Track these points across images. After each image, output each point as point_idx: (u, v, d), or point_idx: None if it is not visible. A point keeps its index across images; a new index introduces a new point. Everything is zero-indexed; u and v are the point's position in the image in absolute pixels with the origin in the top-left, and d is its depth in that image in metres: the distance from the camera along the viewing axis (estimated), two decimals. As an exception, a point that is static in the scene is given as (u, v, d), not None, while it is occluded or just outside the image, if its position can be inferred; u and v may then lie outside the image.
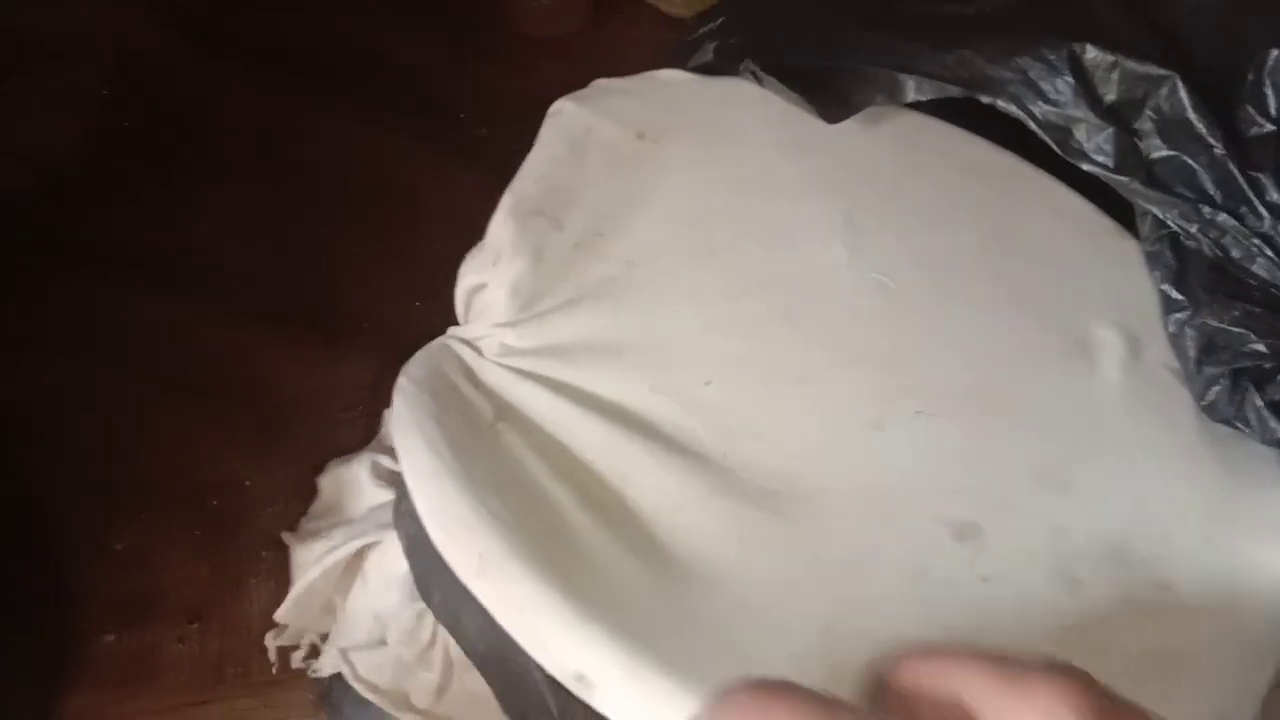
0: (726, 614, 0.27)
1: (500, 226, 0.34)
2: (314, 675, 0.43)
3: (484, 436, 0.29)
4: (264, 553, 0.54)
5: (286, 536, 0.49)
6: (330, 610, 0.41)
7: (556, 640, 0.25)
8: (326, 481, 0.49)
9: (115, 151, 0.68)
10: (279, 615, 0.40)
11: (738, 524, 0.28)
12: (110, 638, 0.53)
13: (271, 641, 0.46)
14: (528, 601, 0.26)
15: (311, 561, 0.38)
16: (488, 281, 0.33)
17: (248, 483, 0.57)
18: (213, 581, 0.54)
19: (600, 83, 0.40)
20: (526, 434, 0.30)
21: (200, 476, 0.57)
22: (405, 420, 0.29)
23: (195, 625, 0.53)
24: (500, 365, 0.31)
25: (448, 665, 0.34)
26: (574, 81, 0.42)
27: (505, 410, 0.30)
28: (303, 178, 0.68)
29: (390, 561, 0.34)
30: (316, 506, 0.50)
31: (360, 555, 0.37)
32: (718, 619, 0.26)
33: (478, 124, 0.70)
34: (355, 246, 0.65)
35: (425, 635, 0.33)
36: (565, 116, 0.38)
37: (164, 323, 0.61)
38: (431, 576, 0.29)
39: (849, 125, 0.38)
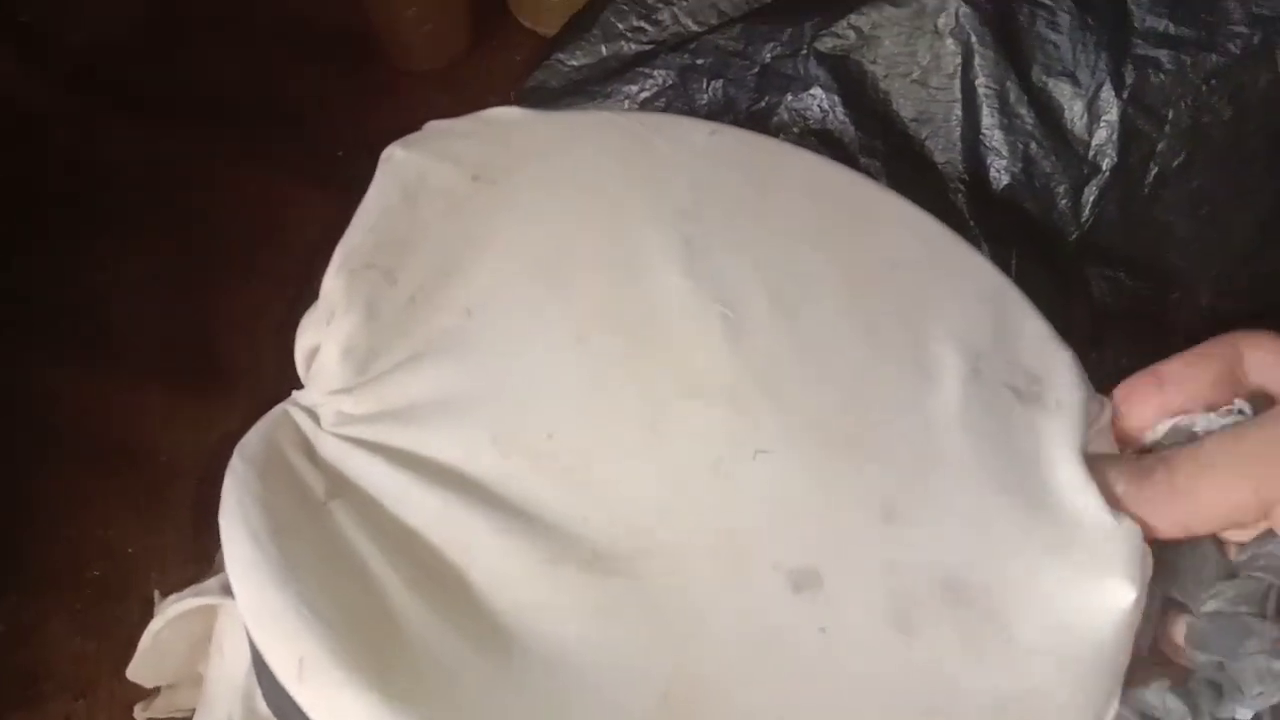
0: (562, 696, 0.25)
1: (331, 283, 0.33)
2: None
3: (314, 518, 0.28)
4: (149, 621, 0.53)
5: (156, 598, 0.47)
6: (198, 683, 0.39)
7: (376, 748, 0.24)
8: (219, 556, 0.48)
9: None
10: (129, 673, 0.38)
11: (585, 595, 0.27)
12: (-9, 725, 0.51)
13: (140, 714, 0.45)
14: (347, 706, 0.25)
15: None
16: (322, 342, 0.32)
17: (130, 549, 0.55)
18: (98, 655, 0.52)
19: (432, 125, 0.38)
20: (361, 511, 0.28)
21: (81, 546, 0.55)
22: (230, 505, 0.28)
23: (82, 702, 0.51)
24: (337, 436, 0.30)
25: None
26: (454, 111, 0.40)
27: (340, 486, 0.29)
28: (183, 225, 0.66)
29: (242, 632, 0.32)
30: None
31: (216, 621, 0.35)
32: (553, 704, 0.25)
33: (356, 161, 0.68)
34: (235, 296, 0.63)
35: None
36: (396, 163, 0.36)
37: (39, 385, 0.59)
38: (261, 664, 0.27)
39: (697, 151, 0.37)
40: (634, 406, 0.30)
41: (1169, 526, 0.28)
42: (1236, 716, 0.27)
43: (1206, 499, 0.27)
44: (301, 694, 0.25)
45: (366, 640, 0.26)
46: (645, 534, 0.28)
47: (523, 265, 0.34)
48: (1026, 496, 0.30)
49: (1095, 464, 0.30)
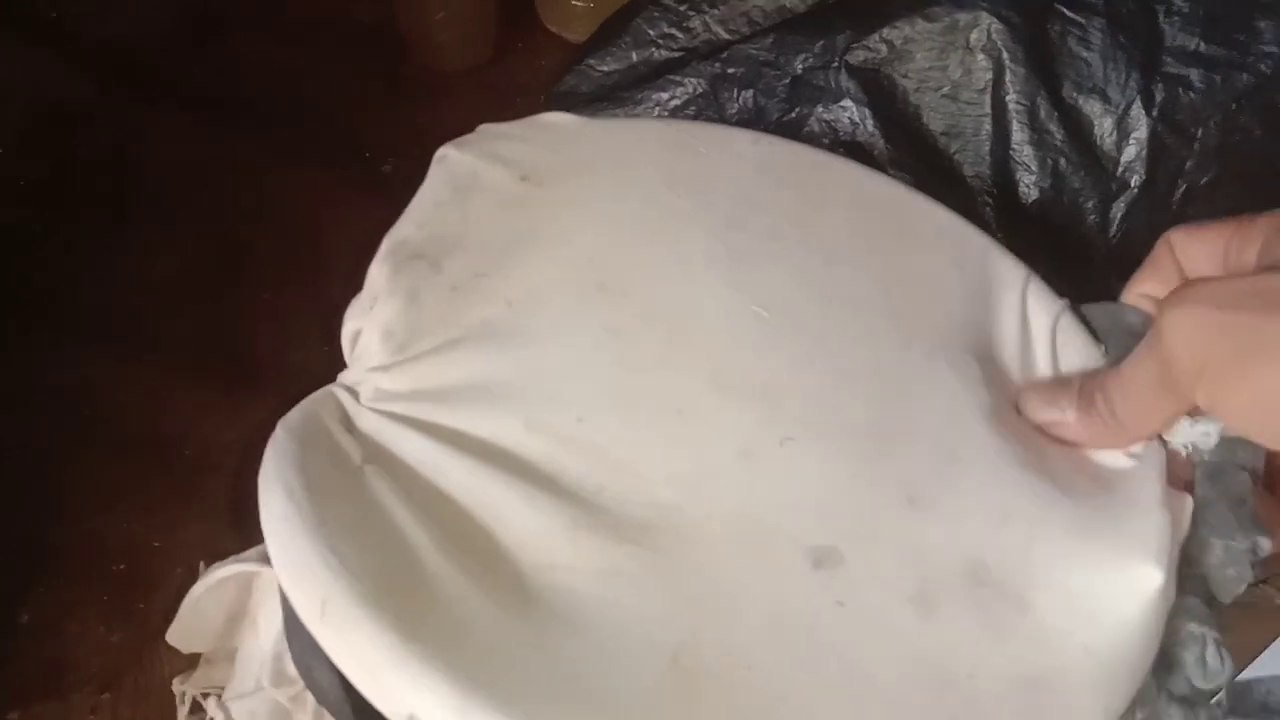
0: (576, 650, 0.26)
1: (376, 271, 0.34)
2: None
3: (349, 481, 0.29)
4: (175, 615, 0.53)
5: (201, 567, 0.47)
6: (233, 658, 0.39)
7: (390, 681, 0.25)
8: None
9: (21, 206, 0.66)
10: (169, 636, 0.39)
11: (602, 559, 0.28)
12: (15, 714, 0.51)
13: (179, 687, 0.45)
14: (366, 645, 0.25)
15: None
16: (364, 326, 0.33)
17: (156, 543, 0.55)
18: (124, 648, 0.52)
19: (485, 127, 0.39)
20: (394, 476, 0.29)
21: (108, 539, 0.55)
22: (268, 468, 0.29)
23: (107, 695, 0.51)
24: (374, 410, 0.31)
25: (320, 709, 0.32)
26: (480, 114, 0.41)
27: (375, 453, 0.30)
28: (216, 222, 0.66)
29: (277, 602, 0.33)
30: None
31: (252, 594, 0.35)
32: (566, 655, 0.26)
33: (383, 160, 0.69)
34: (264, 291, 0.63)
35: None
36: (450, 162, 0.37)
37: (69, 379, 0.59)
38: (291, 624, 0.28)
39: (742, 160, 0.38)
40: (665, 395, 0.31)
41: (1122, 443, 0.31)
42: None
43: (1143, 418, 0.30)
44: (322, 632, 0.26)
45: (388, 585, 0.26)
46: (667, 509, 0.29)
47: (566, 263, 0.34)
48: (1053, 482, 0.30)
49: (1043, 390, 0.32)
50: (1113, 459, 0.31)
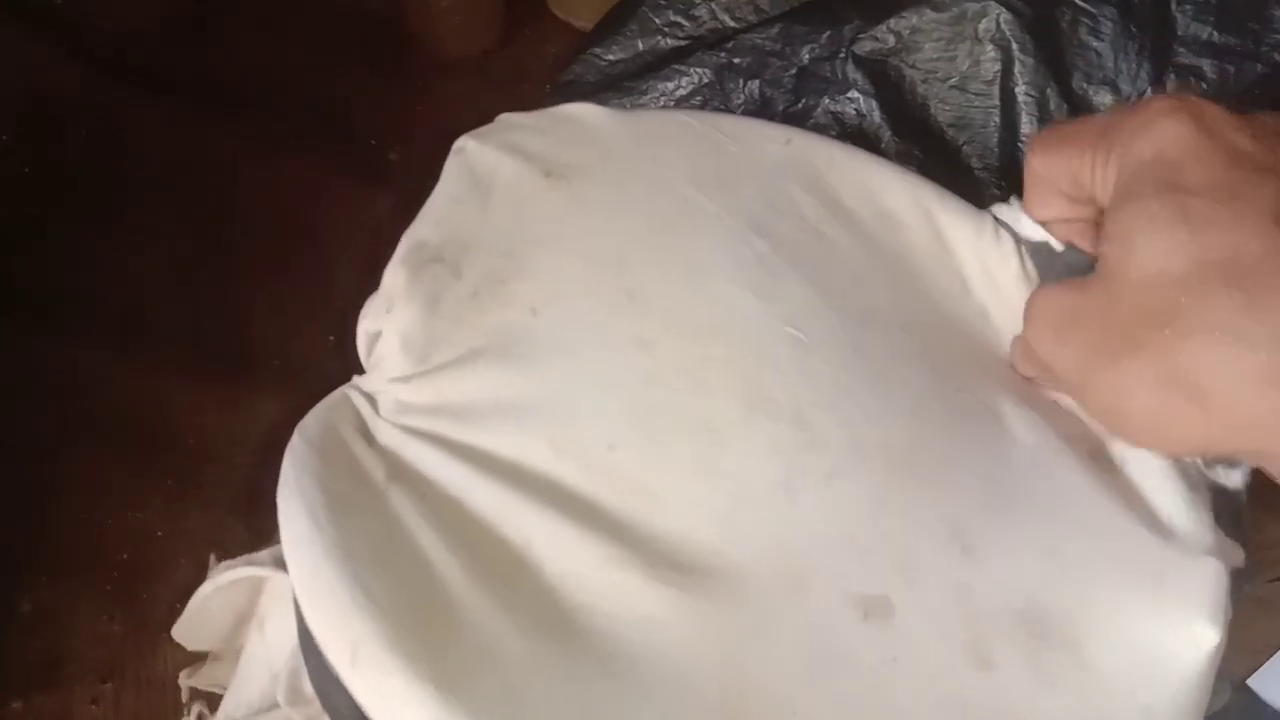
0: (616, 700, 0.25)
1: (394, 274, 0.32)
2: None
3: (372, 501, 0.28)
4: (178, 605, 0.52)
5: (211, 561, 0.47)
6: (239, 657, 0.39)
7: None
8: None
9: (16, 197, 0.65)
10: (174, 633, 0.38)
11: (643, 603, 0.27)
12: (18, 704, 0.51)
13: (185, 680, 0.45)
14: (400, 695, 0.24)
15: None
16: (383, 329, 0.32)
17: (160, 533, 0.55)
18: (126, 638, 0.52)
19: (505, 117, 0.38)
20: (421, 497, 0.28)
21: (109, 529, 0.55)
22: (289, 483, 0.28)
23: (109, 685, 0.51)
24: (394, 424, 0.30)
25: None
26: (485, 101, 0.40)
27: (398, 471, 0.29)
28: (211, 212, 0.65)
29: (288, 608, 0.32)
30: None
31: (261, 596, 0.35)
32: (605, 705, 0.25)
33: (389, 148, 0.68)
34: (266, 282, 0.63)
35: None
36: (468, 155, 0.36)
37: (67, 369, 0.59)
38: (307, 643, 0.27)
39: (772, 160, 0.37)
40: (698, 419, 0.30)
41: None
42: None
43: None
44: (354, 681, 0.25)
45: (421, 626, 0.25)
46: (705, 549, 0.28)
47: (591, 266, 0.33)
48: (1112, 531, 0.29)
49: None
50: (1171, 499, 0.30)
